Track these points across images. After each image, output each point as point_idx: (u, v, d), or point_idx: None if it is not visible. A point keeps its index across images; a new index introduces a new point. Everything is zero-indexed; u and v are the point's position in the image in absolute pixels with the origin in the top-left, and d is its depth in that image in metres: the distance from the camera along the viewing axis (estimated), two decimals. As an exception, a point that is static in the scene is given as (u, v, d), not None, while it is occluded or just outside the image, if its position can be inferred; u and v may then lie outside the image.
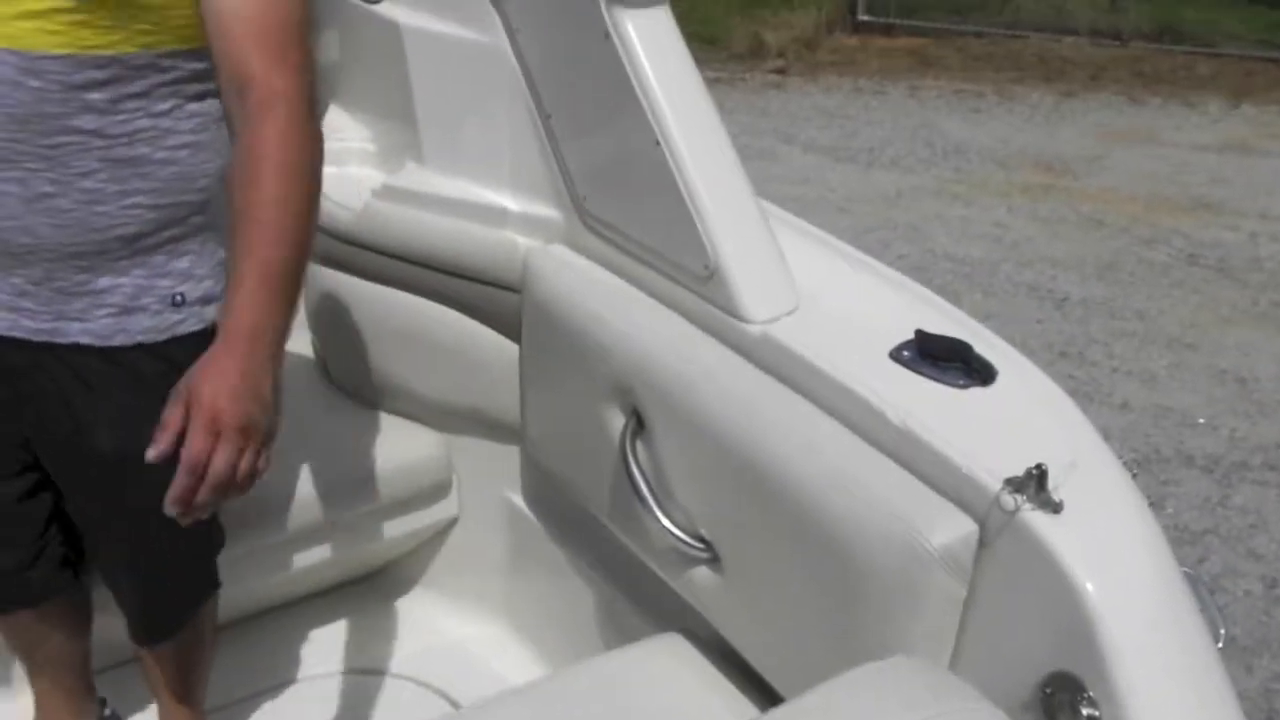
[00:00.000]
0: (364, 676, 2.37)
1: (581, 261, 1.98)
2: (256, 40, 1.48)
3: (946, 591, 1.43)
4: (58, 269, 1.57)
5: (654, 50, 1.80)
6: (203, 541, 1.93)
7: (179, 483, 1.37)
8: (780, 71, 7.89)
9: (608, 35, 1.80)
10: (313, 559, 2.34)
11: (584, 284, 1.94)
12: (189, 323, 1.66)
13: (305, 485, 2.29)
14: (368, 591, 2.53)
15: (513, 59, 2.05)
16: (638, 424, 1.80)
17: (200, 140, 1.59)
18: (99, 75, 1.48)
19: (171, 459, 1.38)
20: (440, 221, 2.14)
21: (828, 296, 1.76)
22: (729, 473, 1.65)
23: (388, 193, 2.19)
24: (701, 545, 1.73)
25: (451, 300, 2.17)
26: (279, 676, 2.35)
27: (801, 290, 1.75)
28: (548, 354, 2.03)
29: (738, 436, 1.63)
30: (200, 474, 1.37)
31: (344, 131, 2.52)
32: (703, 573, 1.76)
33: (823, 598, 1.55)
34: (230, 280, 1.48)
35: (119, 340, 1.63)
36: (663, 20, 1.82)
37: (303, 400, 2.53)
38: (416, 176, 2.19)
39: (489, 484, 2.35)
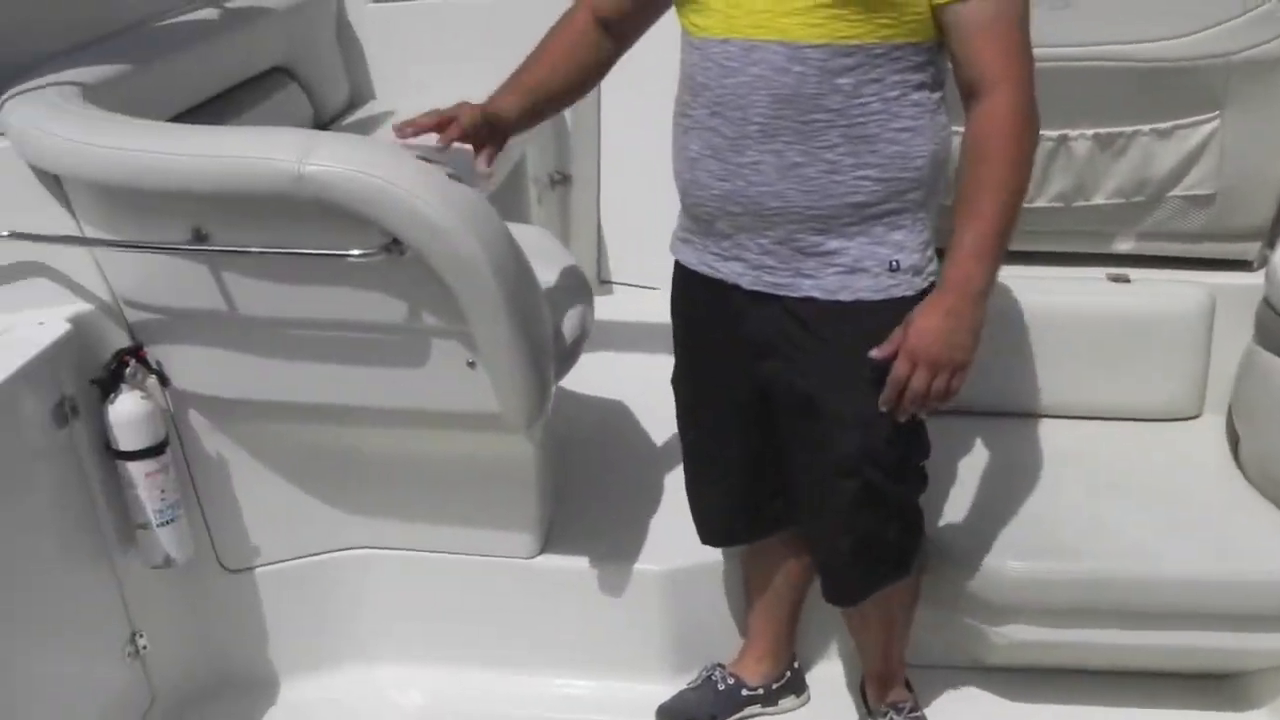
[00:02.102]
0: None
1: None
2: (988, 40, 1.74)
3: None
4: (798, 230, 1.84)
5: None
6: (899, 521, 2.06)
7: (885, 392, 1.82)
8: None
9: None
10: (1165, 640, 2.28)
11: None
12: (902, 288, 1.87)
13: (1189, 568, 2.19)
14: (1216, 691, 2.43)
15: None
16: None
17: (918, 125, 1.82)
18: (847, 62, 1.75)
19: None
20: None
21: None
22: None
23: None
24: None
25: None
26: None
27: None
28: None
29: None
30: (900, 389, 1.80)
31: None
32: None
33: None
34: (952, 240, 1.78)
35: (843, 296, 1.87)
36: None
37: (1199, 483, 2.42)
38: None
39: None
